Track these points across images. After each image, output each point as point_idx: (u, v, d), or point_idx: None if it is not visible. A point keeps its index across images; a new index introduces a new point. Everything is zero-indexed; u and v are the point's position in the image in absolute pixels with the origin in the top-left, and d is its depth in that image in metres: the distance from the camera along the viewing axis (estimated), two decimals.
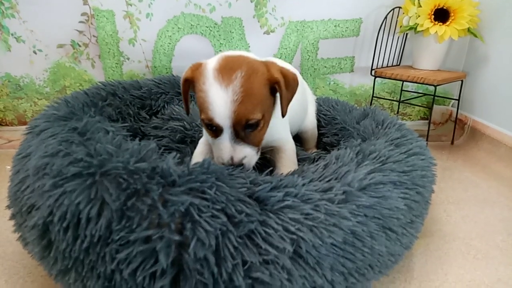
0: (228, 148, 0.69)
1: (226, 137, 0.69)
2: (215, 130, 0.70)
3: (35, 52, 1.49)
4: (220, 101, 0.66)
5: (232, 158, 0.69)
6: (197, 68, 0.71)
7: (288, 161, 0.85)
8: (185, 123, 1.06)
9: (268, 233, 0.54)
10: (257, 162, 0.86)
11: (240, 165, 0.69)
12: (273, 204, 0.57)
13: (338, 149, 0.79)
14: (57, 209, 0.54)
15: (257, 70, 0.69)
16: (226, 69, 0.67)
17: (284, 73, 0.72)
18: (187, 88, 0.75)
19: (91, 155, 0.59)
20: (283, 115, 0.74)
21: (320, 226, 0.56)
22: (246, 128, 0.69)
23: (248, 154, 0.71)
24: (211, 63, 0.69)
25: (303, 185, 0.61)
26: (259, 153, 0.75)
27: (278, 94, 0.74)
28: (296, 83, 0.75)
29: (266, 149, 0.89)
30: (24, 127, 0.82)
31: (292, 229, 0.54)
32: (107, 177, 0.54)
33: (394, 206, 0.66)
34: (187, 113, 0.82)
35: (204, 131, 0.88)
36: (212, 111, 0.67)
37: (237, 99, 0.65)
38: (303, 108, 1.09)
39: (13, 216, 0.69)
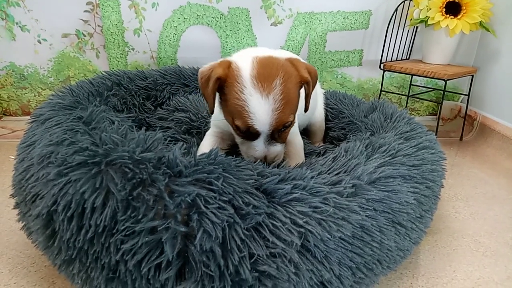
0: (262, 150, 0.71)
1: (261, 140, 0.70)
2: (249, 135, 0.70)
3: (39, 42, 1.48)
4: (262, 110, 0.66)
5: (265, 157, 0.71)
6: (228, 67, 0.69)
7: (296, 155, 0.85)
8: (190, 114, 1.05)
9: (275, 225, 0.52)
10: None
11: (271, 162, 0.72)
12: (281, 196, 0.56)
13: (347, 142, 0.78)
14: (62, 198, 0.53)
15: (291, 74, 0.69)
16: (265, 77, 0.66)
17: (309, 70, 0.73)
18: (216, 87, 0.70)
19: (97, 144, 0.58)
20: (306, 110, 0.77)
21: (329, 220, 0.55)
22: (280, 130, 0.71)
23: (279, 152, 0.73)
24: (246, 68, 0.68)
25: (312, 177, 0.60)
26: (284, 147, 0.77)
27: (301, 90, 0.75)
28: (317, 77, 0.77)
29: None
30: (28, 117, 0.81)
31: (300, 222, 0.53)
32: (112, 166, 0.53)
33: (404, 200, 0.65)
34: (212, 112, 0.74)
35: (212, 124, 0.87)
36: (252, 120, 0.66)
37: (278, 107, 0.66)
38: (313, 102, 1.08)
39: (17, 205, 0.68)
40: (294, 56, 0.82)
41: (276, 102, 0.66)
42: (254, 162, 0.68)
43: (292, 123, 0.71)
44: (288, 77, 0.68)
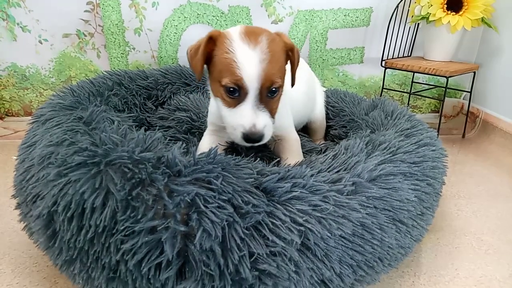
0: (251, 113, 0.67)
1: (249, 101, 0.68)
2: (238, 95, 0.68)
3: (40, 42, 1.49)
4: (250, 61, 0.66)
5: (254, 125, 0.67)
6: (219, 33, 0.71)
7: (292, 152, 0.84)
8: (191, 113, 1.05)
9: (275, 224, 0.52)
10: (263, 154, 0.84)
11: (258, 140, 0.68)
12: (281, 195, 0.56)
13: (347, 140, 0.78)
14: (62, 199, 0.53)
15: (275, 38, 0.71)
16: (251, 33, 0.68)
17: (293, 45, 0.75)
18: (206, 49, 0.70)
19: (96, 144, 0.58)
20: (292, 84, 0.77)
21: (329, 218, 0.55)
22: (268, 94, 0.69)
23: (268, 123, 0.69)
24: (235, 30, 0.70)
25: (311, 176, 0.60)
26: (272, 128, 0.73)
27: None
28: (299, 54, 0.77)
29: (270, 139, 0.88)
30: (30, 117, 0.81)
31: (300, 220, 0.53)
32: (112, 166, 0.53)
33: (405, 197, 0.64)
34: (199, 79, 0.73)
35: (209, 122, 0.87)
36: (241, 70, 0.66)
37: (265, 58, 0.66)
38: (311, 99, 1.08)
39: (18, 206, 0.68)
40: None
41: (263, 54, 0.66)
42: (243, 138, 0.67)
43: (280, 89, 0.71)
44: (273, 39, 0.70)
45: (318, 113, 1.13)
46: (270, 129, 0.70)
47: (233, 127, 0.69)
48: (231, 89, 0.68)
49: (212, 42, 0.70)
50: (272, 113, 0.72)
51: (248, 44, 0.66)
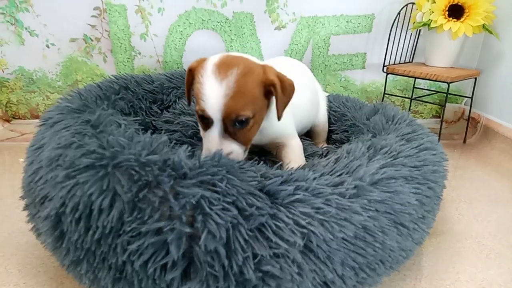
0: (216, 141, 0.70)
1: (215, 130, 0.70)
2: (207, 123, 0.72)
3: (48, 46, 1.51)
4: (213, 93, 0.68)
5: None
6: (202, 61, 0.74)
7: (294, 156, 0.86)
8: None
9: (278, 226, 0.53)
10: (267, 158, 0.86)
11: None
12: (284, 197, 0.57)
13: (349, 144, 0.79)
14: (70, 200, 0.54)
15: (253, 71, 0.71)
16: (224, 65, 0.69)
17: (281, 78, 0.74)
18: (190, 79, 0.77)
19: (104, 147, 0.59)
20: (278, 118, 0.76)
21: (331, 221, 0.56)
22: (236, 124, 0.70)
23: (235, 151, 0.72)
24: (213, 59, 0.72)
25: (314, 179, 0.61)
26: (246, 153, 0.77)
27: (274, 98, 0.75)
28: (292, 89, 0.77)
29: (271, 146, 0.90)
30: (36, 120, 0.83)
31: (303, 223, 0.54)
32: (119, 169, 0.55)
33: (406, 201, 0.65)
34: (188, 104, 0.85)
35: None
36: (204, 102, 0.69)
37: (229, 94, 0.67)
38: (315, 105, 1.10)
39: (26, 207, 0.69)
40: (295, 60, 0.85)
41: (228, 89, 0.67)
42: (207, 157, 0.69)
43: (250, 121, 0.71)
44: (249, 71, 0.70)
45: (321, 117, 1.15)
46: (238, 155, 0.73)
47: (204, 147, 0.73)
48: (201, 116, 0.71)
49: (191, 73, 0.75)
50: (244, 141, 0.74)
51: (216, 77, 0.68)
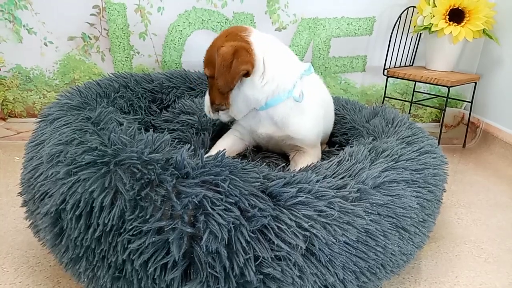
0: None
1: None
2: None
3: (46, 44, 1.49)
4: None
5: None
6: None
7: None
8: (196, 117, 1.06)
9: (281, 228, 0.53)
10: (270, 160, 0.85)
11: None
12: (286, 199, 0.56)
13: (351, 147, 0.79)
14: (70, 197, 0.54)
15: (218, 41, 0.81)
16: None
17: (236, 47, 0.76)
18: None
19: (106, 144, 0.59)
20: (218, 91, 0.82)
21: (334, 224, 0.55)
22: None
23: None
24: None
25: (317, 181, 0.61)
26: (224, 116, 0.88)
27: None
28: (220, 58, 0.76)
29: (291, 148, 0.89)
30: (33, 119, 0.82)
31: (305, 225, 0.53)
32: (121, 166, 0.54)
33: (408, 204, 0.65)
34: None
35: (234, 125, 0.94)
36: None
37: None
38: (332, 117, 1.10)
39: (25, 203, 0.69)
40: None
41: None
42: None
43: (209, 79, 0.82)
44: (214, 43, 0.82)
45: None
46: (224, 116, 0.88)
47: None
48: None
49: None
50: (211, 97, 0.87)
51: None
